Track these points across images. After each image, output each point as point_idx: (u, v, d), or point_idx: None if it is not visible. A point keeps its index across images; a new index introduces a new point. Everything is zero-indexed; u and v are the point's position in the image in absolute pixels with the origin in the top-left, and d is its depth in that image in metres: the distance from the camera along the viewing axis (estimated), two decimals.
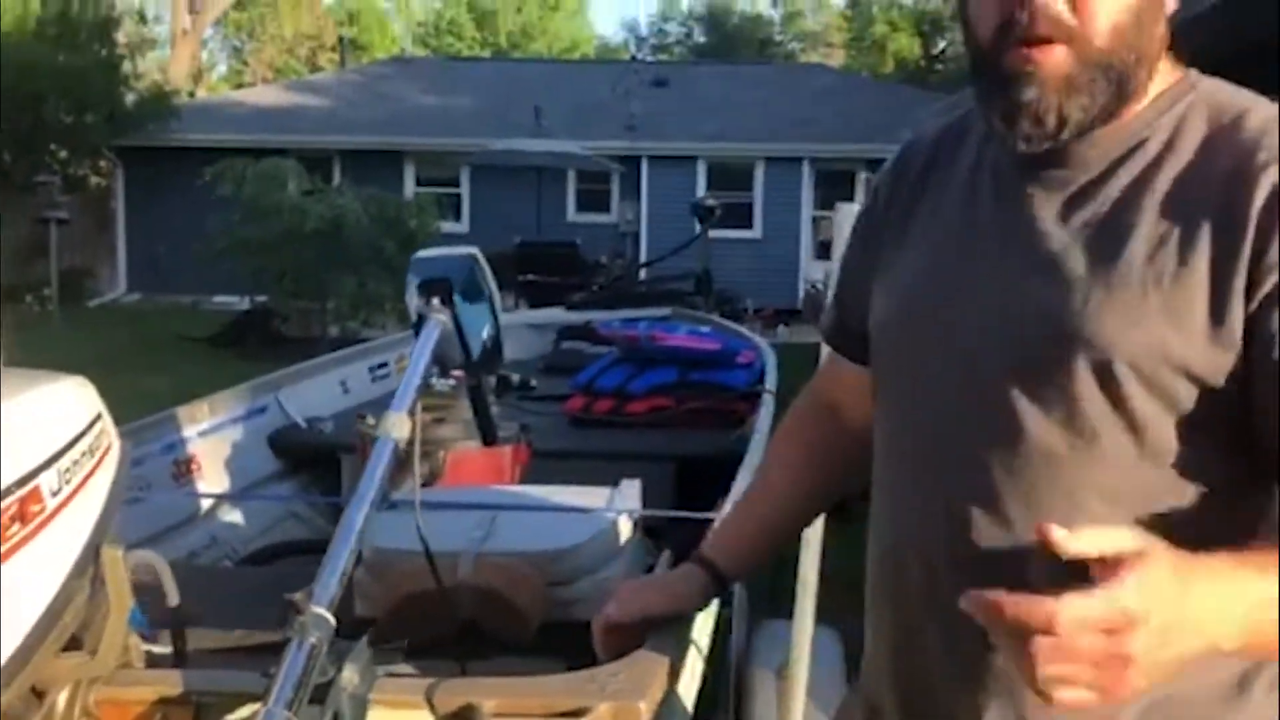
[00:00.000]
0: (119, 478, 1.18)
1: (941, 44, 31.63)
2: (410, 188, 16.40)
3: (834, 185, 16.95)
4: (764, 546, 1.24)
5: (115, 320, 13.39)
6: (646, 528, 2.40)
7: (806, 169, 16.49)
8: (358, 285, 10.33)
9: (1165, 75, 0.92)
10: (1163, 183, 0.87)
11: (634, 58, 25.34)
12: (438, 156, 16.55)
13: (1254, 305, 0.81)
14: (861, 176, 16.55)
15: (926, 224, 1.01)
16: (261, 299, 11.53)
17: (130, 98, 16.98)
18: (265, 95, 19.84)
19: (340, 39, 25.13)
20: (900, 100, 18.51)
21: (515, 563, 1.81)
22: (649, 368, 3.99)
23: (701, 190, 16.35)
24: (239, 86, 27.44)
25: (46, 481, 1.03)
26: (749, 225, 16.23)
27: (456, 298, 1.57)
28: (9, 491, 0.97)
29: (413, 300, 1.60)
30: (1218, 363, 0.82)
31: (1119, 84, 0.87)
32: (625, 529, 2.06)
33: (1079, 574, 0.70)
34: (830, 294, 1.19)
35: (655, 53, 36.74)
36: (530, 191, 14.78)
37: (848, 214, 2.45)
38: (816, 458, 1.21)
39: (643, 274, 12.90)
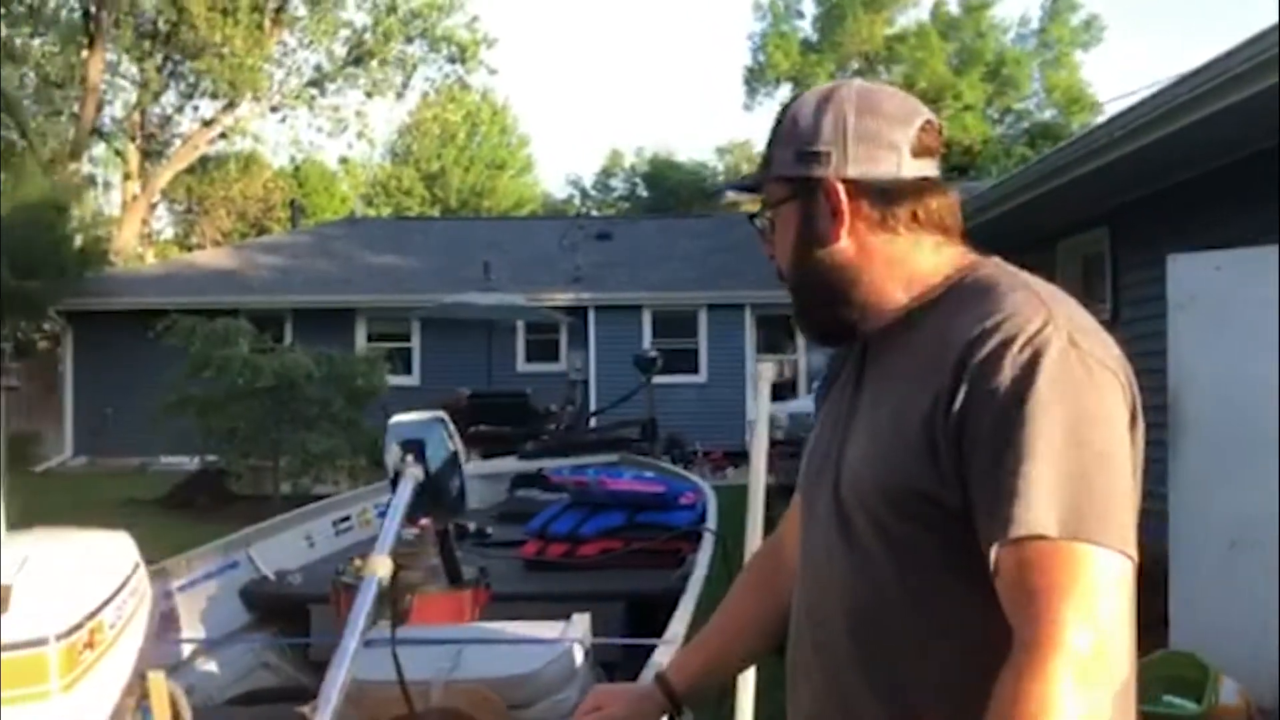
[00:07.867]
0: (153, 616, 1.42)
1: None
2: (362, 343, 16.68)
3: (775, 329, 17.60)
4: (712, 675, 1.49)
5: (62, 485, 13.24)
6: (600, 661, 2.62)
7: (748, 314, 17.08)
8: (310, 442, 10.42)
9: (952, 263, 1.15)
10: (917, 355, 1.11)
11: (579, 213, 26.17)
12: (389, 312, 16.92)
13: (952, 440, 1.06)
14: None
15: (828, 404, 1.31)
16: (212, 458, 11.43)
17: (74, 258, 17.21)
18: (216, 257, 20.22)
19: (291, 201, 25.73)
20: None
21: (480, 688, 2.04)
22: (598, 512, 4.23)
23: (647, 337, 16.87)
24: (188, 250, 27.83)
25: (107, 616, 1.27)
26: (695, 370, 16.70)
27: (428, 454, 1.85)
28: (80, 624, 1.21)
29: (391, 459, 1.88)
30: (938, 489, 1.08)
31: (828, 301, 1.17)
32: (578, 657, 2.29)
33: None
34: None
35: (600, 207, 38.01)
36: (480, 343, 15.14)
37: (767, 369, 2.79)
38: (759, 596, 1.46)
39: (593, 421, 13.16)
